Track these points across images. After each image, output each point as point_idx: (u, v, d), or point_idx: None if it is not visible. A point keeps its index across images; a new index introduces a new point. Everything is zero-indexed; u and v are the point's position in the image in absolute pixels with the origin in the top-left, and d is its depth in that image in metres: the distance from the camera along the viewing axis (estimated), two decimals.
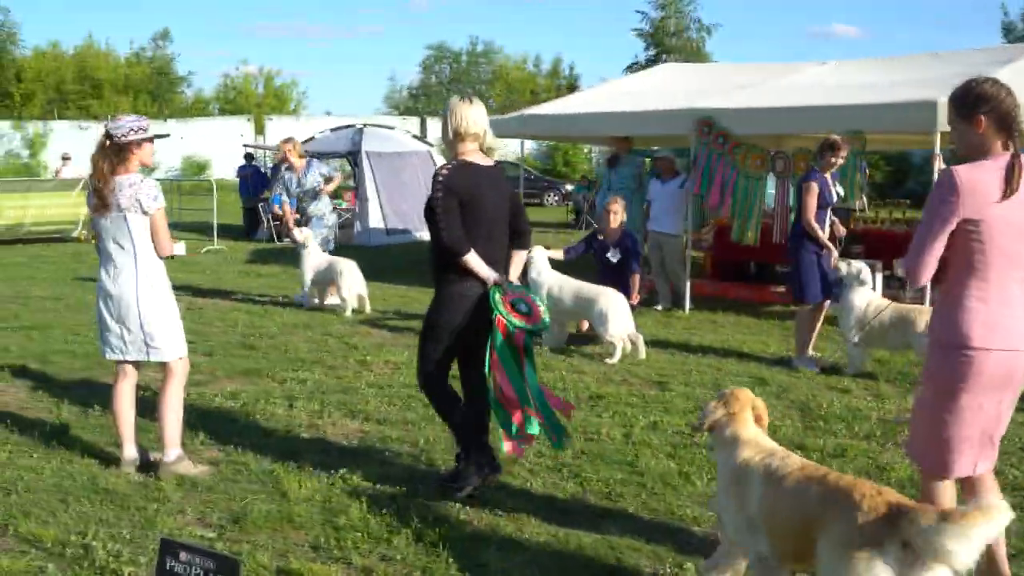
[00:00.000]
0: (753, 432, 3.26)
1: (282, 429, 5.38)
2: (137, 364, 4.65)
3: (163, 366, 4.60)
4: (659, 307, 9.79)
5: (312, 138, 18.50)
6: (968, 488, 3.24)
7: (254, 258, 14.80)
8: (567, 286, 7.72)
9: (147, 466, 4.61)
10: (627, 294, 7.83)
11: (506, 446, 4.15)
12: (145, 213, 4.44)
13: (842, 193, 8.20)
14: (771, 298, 10.25)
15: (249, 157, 20.29)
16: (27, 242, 16.18)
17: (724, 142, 9.38)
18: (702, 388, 6.37)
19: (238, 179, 19.98)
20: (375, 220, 16.88)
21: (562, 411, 4.47)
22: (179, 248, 13.51)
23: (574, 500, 4.29)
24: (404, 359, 7.04)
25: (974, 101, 3.10)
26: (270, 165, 19.93)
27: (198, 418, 5.39)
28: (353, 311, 9.31)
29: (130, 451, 4.61)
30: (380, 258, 13.73)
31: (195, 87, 48.91)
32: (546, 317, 4.34)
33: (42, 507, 4.09)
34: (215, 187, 18.40)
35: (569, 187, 28.89)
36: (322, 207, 10.04)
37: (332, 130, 19.36)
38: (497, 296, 4.14)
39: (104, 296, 4.51)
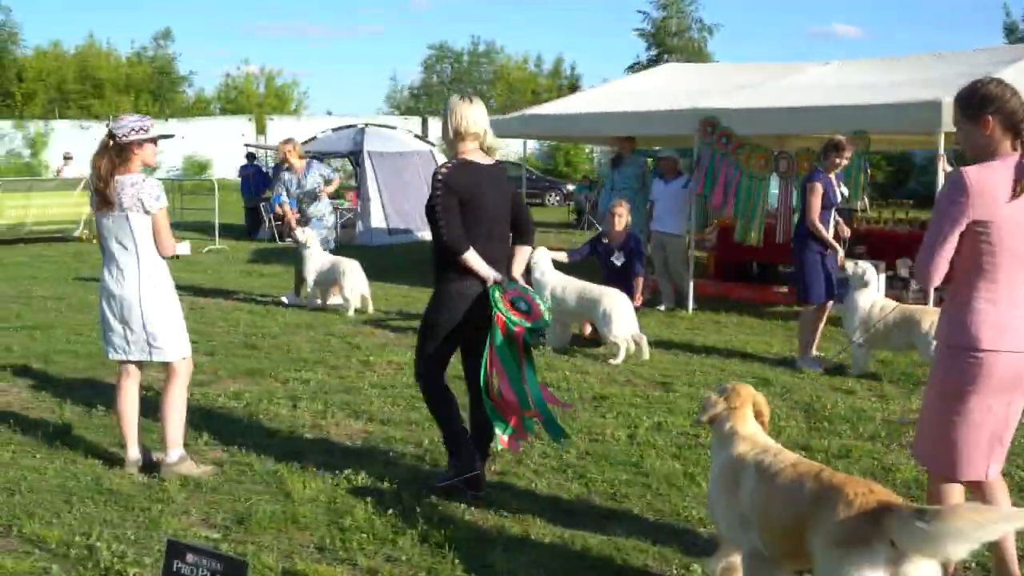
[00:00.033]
0: (751, 428, 3.25)
1: (286, 429, 5.38)
2: (140, 364, 4.64)
3: (166, 366, 4.59)
4: (662, 307, 9.77)
5: (314, 138, 18.49)
6: (977, 492, 3.22)
7: (256, 258, 14.79)
8: (571, 287, 7.71)
9: (151, 467, 4.60)
10: (631, 296, 7.82)
11: (501, 440, 4.16)
12: (147, 213, 4.43)
13: (847, 194, 8.18)
14: (774, 298, 10.24)
15: (251, 157, 20.28)
16: (29, 242, 16.16)
17: (727, 142, 9.36)
18: (706, 389, 6.34)
19: (240, 179, 19.97)
20: (377, 220, 16.88)
21: (560, 408, 4.45)
22: (183, 248, 13.51)
23: (579, 501, 4.29)
24: (407, 359, 7.02)
25: (980, 102, 3.09)
26: (271, 165, 19.93)
27: (201, 418, 5.39)
28: (356, 311, 9.31)
29: (134, 452, 4.60)
30: (382, 258, 13.73)
31: (196, 87, 49.05)
32: (547, 315, 4.33)
33: (46, 508, 4.08)
34: (216, 187, 18.42)
35: (571, 187, 28.90)
36: (322, 208, 10.04)
37: (334, 130, 19.35)
38: (497, 294, 4.14)
39: (107, 296, 4.50)
